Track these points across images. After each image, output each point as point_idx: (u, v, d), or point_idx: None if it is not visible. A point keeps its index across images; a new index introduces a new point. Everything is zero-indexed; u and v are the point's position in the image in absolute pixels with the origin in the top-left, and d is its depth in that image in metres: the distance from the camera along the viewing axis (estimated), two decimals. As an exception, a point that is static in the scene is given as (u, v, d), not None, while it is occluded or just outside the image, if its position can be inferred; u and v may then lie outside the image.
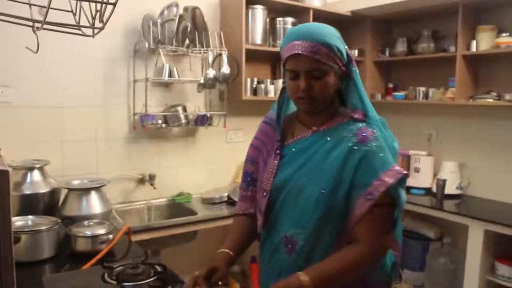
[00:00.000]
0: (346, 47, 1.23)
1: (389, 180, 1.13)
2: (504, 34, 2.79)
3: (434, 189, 3.14)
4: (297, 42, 1.16)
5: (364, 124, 1.22)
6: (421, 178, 3.28)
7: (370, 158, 1.16)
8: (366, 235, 1.16)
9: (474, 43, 2.91)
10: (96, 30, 0.80)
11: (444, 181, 3.03)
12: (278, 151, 1.29)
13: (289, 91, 1.25)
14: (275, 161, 1.28)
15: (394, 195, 1.15)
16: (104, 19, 0.77)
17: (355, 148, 1.17)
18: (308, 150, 1.24)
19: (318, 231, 1.19)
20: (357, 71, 1.26)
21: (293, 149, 1.27)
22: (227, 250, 1.28)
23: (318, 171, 1.20)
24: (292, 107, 1.36)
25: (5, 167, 0.62)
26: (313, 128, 1.27)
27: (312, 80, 1.18)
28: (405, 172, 1.16)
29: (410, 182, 3.29)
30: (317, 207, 1.18)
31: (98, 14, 0.78)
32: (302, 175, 1.22)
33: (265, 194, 1.29)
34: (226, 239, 1.34)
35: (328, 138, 1.22)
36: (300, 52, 1.15)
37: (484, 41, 2.88)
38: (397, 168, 1.16)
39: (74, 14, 0.84)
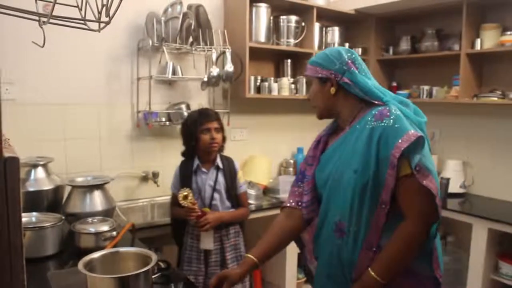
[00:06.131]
0: (349, 59, 1.36)
1: (403, 144, 1.19)
2: (508, 33, 2.78)
3: (437, 188, 3.13)
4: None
5: (383, 106, 1.31)
6: (425, 177, 3.27)
7: (387, 132, 1.23)
8: (407, 210, 1.23)
9: (478, 41, 2.90)
10: (102, 25, 0.81)
11: (448, 179, 3.02)
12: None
13: None
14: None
15: (409, 159, 1.20)
16: (111, 13, 0.78)
17: (374, 127, 1.27)
18: (342, 144, 1.38)
19: (357, 210, 1.27)
20: (354, 71, 1.35)
21: (331, 149, 1.43)
22: (252, 257, 1.38)
23: (351, 156, 1.31)
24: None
25: (15, 154, 0.62)
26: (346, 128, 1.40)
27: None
28: (419, 134, 1.20)
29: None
30: (352, 187, 1.27)
31: (104, 8, 0.78)
32: (340, 164, 1.34)
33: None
34: (263, 236, 1.45)
35: (357, 127, 1.33)
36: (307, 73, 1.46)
37: (488, 40, 2.87)
38: (411, 132, 1.21)
39: (80, 9, 0.85)
